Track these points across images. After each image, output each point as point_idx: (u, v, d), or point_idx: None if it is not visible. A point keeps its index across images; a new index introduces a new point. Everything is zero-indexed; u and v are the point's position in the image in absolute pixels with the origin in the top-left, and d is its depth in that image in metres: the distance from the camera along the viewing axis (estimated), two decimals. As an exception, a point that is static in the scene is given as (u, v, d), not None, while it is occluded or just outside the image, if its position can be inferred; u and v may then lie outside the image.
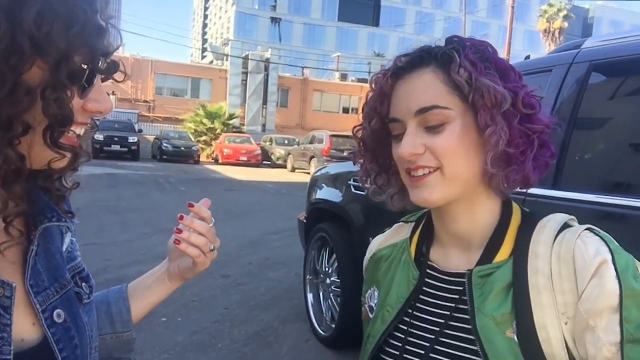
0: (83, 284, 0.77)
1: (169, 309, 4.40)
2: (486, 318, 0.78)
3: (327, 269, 3.95)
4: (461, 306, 0.83)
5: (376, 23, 62.03)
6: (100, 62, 0.62)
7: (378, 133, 0.90)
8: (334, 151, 19.08)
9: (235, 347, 3.78)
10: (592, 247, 0.75)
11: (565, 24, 37.74)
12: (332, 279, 3.85)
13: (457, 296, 0.85)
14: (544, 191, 2.12)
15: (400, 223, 1.03)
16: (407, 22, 59.40)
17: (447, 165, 0.80)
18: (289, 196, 12.86)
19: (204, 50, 70.33)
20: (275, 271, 5.82)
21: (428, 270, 0.90)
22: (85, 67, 0.61)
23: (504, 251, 0.83)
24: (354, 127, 0.95)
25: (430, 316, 0.87)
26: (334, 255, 3.82)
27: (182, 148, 24.05)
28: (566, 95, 2.22)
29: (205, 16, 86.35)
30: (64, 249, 0.76)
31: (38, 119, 0.58)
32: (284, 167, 23.97)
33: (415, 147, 0.80)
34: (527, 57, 2.96)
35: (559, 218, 0.82)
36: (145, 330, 3.96)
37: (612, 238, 0.78)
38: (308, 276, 4.21)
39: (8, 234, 0.63)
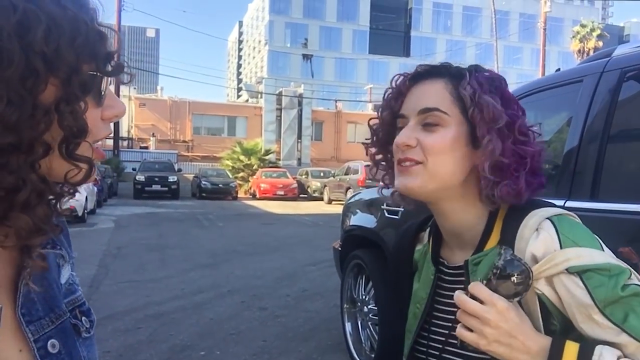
0: (83, 317, 0.76)
1: (208, 343, 4.39)
2: None
3: (364, 296, 3.88)
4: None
5: (407, 53, 62.38)
6: (106, 66, 0.63)
7: (387, 126, 1.02)
8: (369, 181, 18.97)
9: (273, 379, 3.72)
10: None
11: (600, 43, 37.02)
12: (369, 307, 3.78)
13: (462, 286, 0.94)
14: (582, 204, 2.04)
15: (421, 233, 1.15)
16: (438, 51, 59.53)
17: (431, 161, 0.92)
18: (326, 228, 12.81)
19: (239, 89, 72.01)
20: (313, 302, 5.76)
21: (440, 267, 1.03)
22: (94, 74, 0.61)
23: (493, 240, 0.94)
24: (370, 118, 1.07)
25: (446, 306, 0.99)
26: (371, 283, 3.75)
27: (221, 185, 24.39)
28: (598, 105, 2.15)
29: (240, 57, 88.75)
30: (63, 281, 0.75)
31: (55, 136, 0.58)
32: (321, 199, 24.01)
33: (409, 138, 0.93)
34: (558, 69, 2.90)
35: (552, 210, 0.92)
36: (184, 364, 3.95)
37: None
38: (345, 305, 4.14)
39: (34, 261, 0.64)
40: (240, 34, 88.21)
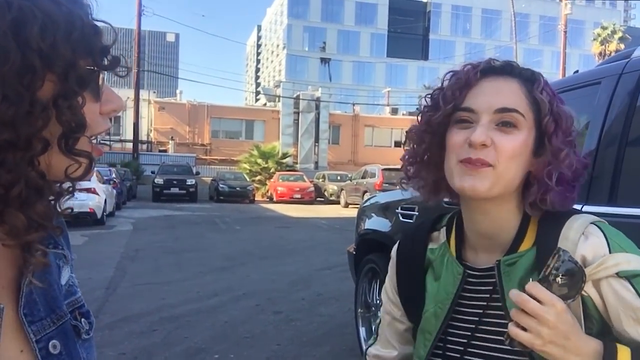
0: (83, 319, 0.76)
1: (222, 347, 4.39)
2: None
3: (378, 301, 3.84)
4: (495, 295, 0.95)
5: (425, 57, 62.23)
6: (103, 61, 0.63)
7: (445, 117, 0.96)
8: (386, 185, 18.90)
9: (286, 384, 3.71)
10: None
11: (622, 46, 36.45)
12: (383, 311, 3.74)
13: (490, 287, 0.96)
14: (600, 208, 1.99)
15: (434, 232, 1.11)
16: (456, 54, 59.18)
17: (502, 165, 0.90)
18: (342, 231, 12.77)
19: (257, 93, 72.40)
20: (327, 306, 5.73)
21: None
22: (91, 69, 0.61)
23: (527, 242, 0.94)
24: (424, 107, 1.00)
25: (470, 308, 0.99)
26: (385, 287, 3.71)
27: (238, 188, 24.51)
28: (617, 108, 2.10)
29: (258, 61, 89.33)
30: (63, 282, 0.75)
31: (53, 132, 0.58)
32: (338, 203, 23.98)
33: (487, 137, 0.89)
34: (576, 71, 2.84)
35: (592, 217, 0.93)
36: (198, 367, 3.95)
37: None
38: (359, 310, 4.10)
39: (36, 258, 0.64)
40: (259, 38, 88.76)
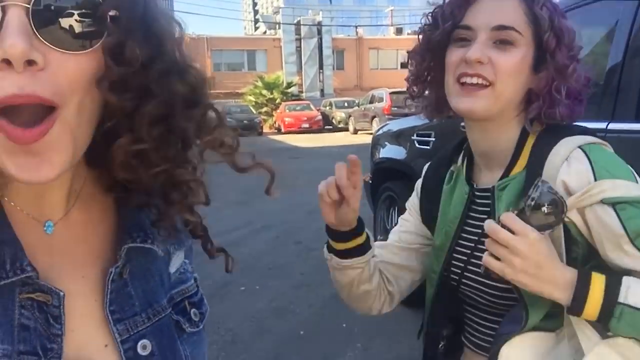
0: (193, 310, 0.71)
1: (248, 278, 4.52)
2: None
3: (397, 227, 3.89)
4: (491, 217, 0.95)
5: (428, -29, 59.73)
6: None
7: (446, 35, 0.97)
8: (395, 109, 18.70)
9: (313, 310, 3.85)
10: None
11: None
12: (403, 237, 3.80)
13: (488, 209, 0.97)
14: (627, 125, 1.96)
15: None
16: (460, -34, 56.78)
17: (500, 82, 0.91)
18: (354, 158, 12.82)
19: (256, 21, 70.46)
20: (346, 234, 5.84)
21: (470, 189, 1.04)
22: None
23: (520, 164, 0.95)
24: (425, 25, 1.01)
25: (473, 228, 1.02)
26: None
27: (245, 121, 24.37)
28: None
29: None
30: (172, 270, 0.70)
31: None
32: (346, 130, 23.87)
33: (483, 54, 0.90)
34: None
35: (584, 138, 0.91)
36: (226, 299, 4.10)
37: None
38: (379, 237, 4.17)
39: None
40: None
